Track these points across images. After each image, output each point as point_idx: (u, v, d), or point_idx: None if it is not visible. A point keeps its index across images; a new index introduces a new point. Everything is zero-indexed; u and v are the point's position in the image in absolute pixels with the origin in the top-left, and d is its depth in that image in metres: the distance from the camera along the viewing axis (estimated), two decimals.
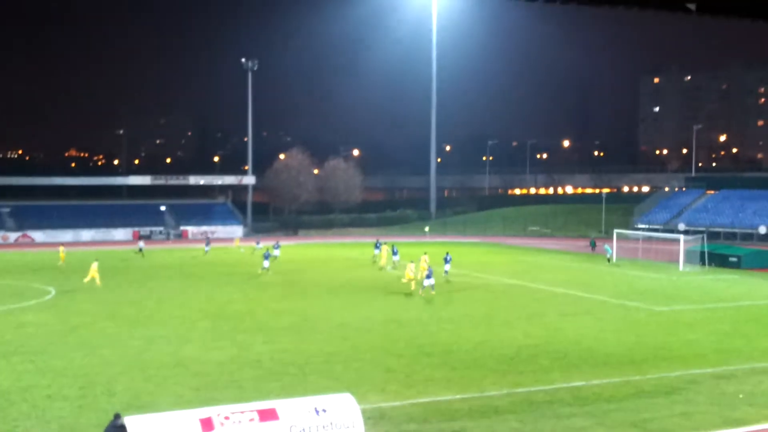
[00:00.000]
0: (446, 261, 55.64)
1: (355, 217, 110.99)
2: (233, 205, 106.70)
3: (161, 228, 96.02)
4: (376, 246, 66.07)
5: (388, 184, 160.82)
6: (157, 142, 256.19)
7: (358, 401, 19.05)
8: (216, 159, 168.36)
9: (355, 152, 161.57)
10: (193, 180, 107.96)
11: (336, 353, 31.26)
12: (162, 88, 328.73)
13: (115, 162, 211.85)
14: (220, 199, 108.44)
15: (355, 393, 20.46)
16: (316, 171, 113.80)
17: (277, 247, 67.37)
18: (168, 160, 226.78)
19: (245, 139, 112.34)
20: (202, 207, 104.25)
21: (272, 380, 27.02)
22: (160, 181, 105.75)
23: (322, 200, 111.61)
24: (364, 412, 19.14)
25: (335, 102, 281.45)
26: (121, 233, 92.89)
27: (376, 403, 24.09)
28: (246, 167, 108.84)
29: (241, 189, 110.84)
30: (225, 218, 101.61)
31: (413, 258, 55.45)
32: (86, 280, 50.92)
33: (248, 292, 48.87)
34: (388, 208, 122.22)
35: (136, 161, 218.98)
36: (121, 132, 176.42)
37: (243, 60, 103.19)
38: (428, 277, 47.40)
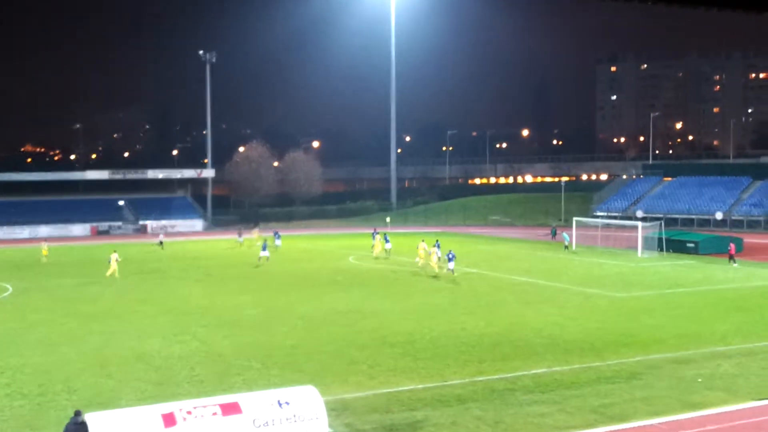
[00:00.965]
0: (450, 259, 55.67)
1: (316, 209, 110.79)
2: (193, 199, 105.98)
3: (120, 223, 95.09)
4: (374, 236, 65.94)
5: (349, 176, 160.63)
6: (115, 136, 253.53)
7: (321, 393, 19.06)
8: (175, 152, 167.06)
9: (316, 144, 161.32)
10: (152, 174, 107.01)
11: (299, 346, 31.22)
12: (119, 82, 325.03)
13: (72, 157, 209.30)
14: (180, 193, 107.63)
15: (318, 385, 20.45)
16: (276, 163, 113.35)
17: (277, 237, 69.13)
18: (126, 155, 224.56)
19: (204, 132, 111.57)
20: (162, 201, 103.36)
21: (235, 374, 26.92)
22: (118, 175, 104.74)
23: (283, 192, 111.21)
24: (327, 403, 19.15)
25: (295, 94, 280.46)
26: (79, 229, 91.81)
27: (339, 394, 24.10)
28: (206, 160, 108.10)
29: (200, 182, 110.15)
30: (185, 212, 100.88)
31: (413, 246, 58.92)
32: (109, 273, 51.69)
33: (210, 285, 48.59)
34: (348, 200, 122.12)
35: (94, 156, 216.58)
36: (78, 126, 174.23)
37: (201, 52, 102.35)
38: (450, 260, 50.47)
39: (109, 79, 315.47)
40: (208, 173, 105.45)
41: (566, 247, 67.61)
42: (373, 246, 63.60)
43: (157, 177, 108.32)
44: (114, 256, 52.94)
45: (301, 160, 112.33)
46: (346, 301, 42.15)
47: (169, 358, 29.13)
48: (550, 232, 79.33)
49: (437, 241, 57.00)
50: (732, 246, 59.63)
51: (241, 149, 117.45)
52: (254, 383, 25.22)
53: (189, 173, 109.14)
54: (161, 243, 73.12)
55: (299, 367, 27.94)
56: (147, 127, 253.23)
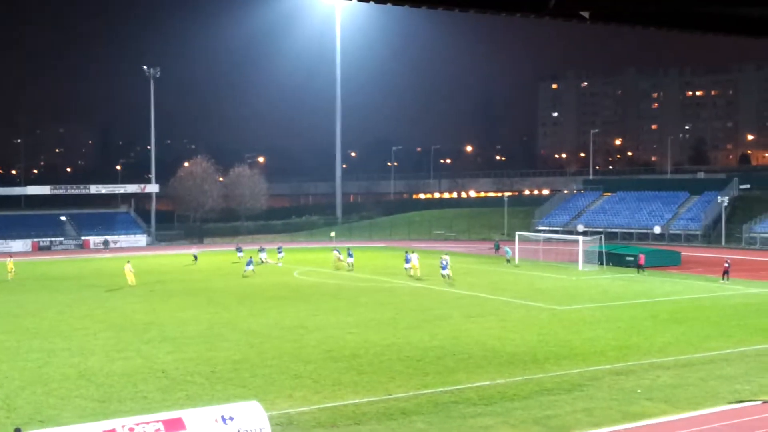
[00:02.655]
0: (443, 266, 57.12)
1: (261, 224, 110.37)
2: (136, 214, 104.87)
3: (62, 238, 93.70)
4: (349, 254, 66.09)
5: (295, 191, 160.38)
6: (57, 151, 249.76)
7: (266, 408, 19.09)
8: (118, 168, 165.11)
9: (261, 159, 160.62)
10: (95, 189, 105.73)
11: (243, 361, 31.13)
12: (62, 96, 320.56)
13: (13, 172, 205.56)
14: (123, 209, 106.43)
15: (262, 400, 20.49)
16: (221, 178, 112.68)
17: (280, 251, 70.74)
18: (69, 170, 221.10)
19: (148, 147, 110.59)
20: (104, 216, 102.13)
21: (178, 390, 26.76)
22: (60, 190, 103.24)
23: (228, 207, 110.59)
24: (271, 418, 19.19)
25: (240, 109, 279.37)
26: (20, 244, 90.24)
27: (284, 409, 24.12)
28: (149, 175, 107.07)
29: (144, 197, 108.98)
30: (128, 227, 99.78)
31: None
32: (130, 282, 53.61)
33: (153, 301, 48.13)
34: (294, 215, 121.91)
35: (35, 171, 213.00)
36: (19, 141, 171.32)
37: (145, 67, 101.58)
38: (443, 267, 55.36)
39: (51, 93, 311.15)
40: (152, 188, 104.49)
41: (508, 260, 68.42)
42: (349, 264, 64.30)
43: (100, 192, 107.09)
44: (128, 267, 55.12)
45: (246, 176, 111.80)
46: (291, 315, 42.11)
47: (111, 375, 28.84)
48: (493, 246, 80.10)
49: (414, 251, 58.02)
50: (642, 256, 62.56)
51: (186, 164, 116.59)
52: (198, 399, 25.11)
53: (132, 188, 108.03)
54: (195, 257, 72.22)
55: (243, 382, 27.87)
56: (90, 142, 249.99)
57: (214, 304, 46.59)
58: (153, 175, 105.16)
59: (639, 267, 61.65)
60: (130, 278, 54.65)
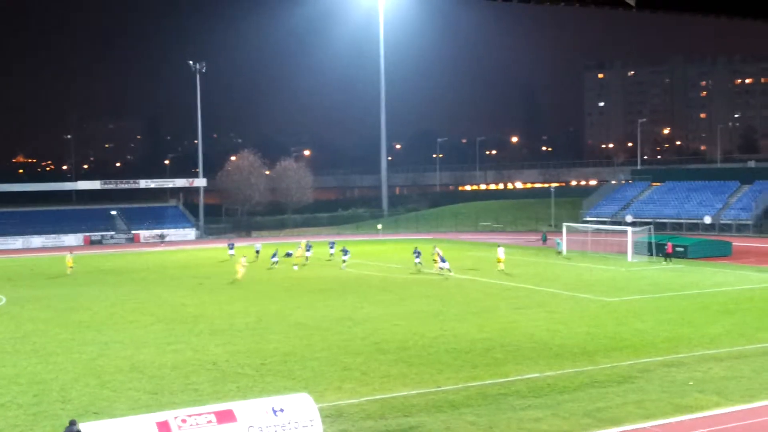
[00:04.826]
0: (442, 260, 56.56)
1: (307, 217, 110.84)
2: (185, 208, 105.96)
3: (112, 232, 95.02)
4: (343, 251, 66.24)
5: (340, 184, 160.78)
6: (107, 146, 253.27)
7: (315, 400, 19.21)
8: (167, 162, 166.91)
9: (307, 152, 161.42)
10: (144, 183, 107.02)
11: (292, 353, 31.34)
12: (111, 92, 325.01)
13: (64, 167, 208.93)
14: (172, 202, 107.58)
15: (312, 392, 20.62)
16: (267, 172, 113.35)
17: (309, 248, 67.22)
18: (118, 164, 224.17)
19: (195, 142, 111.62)
20: (154, 210, 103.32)
21: (229, 382, 27.04)
22: (110, 185, 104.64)
23: (275, 201, 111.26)
24: (321, 410, 19.31)
25: (286, 103, 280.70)
26: (72, 239, 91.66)
27: (334, 401, 24.25)
28: (197, 169, 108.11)
29: (192, 191, 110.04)
30: (177, 221, 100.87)
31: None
32: (240, 277, 53.93)
33: (202, 294, 48.63)
34: (340, 208, 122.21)
35: (85, 166, 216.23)
36: (69, 137, 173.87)
37: (191, 62, 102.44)
38: (442, 261, 55.40)
39: (100, 89, 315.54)
40: (200, 182, 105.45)
41: (559, 252, 67.93)
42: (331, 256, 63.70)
43: (149, 186, 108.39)
44: (242, 260, 55.87)
45: (292, 169, 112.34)
46: (338, 308, 42.28)
47: (163, 367, 29.22)
48: (540, 237, 79.60)
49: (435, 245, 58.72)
50: (669, 245, 62.84)
51: (233, 158, 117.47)
52: (248, 391, 25.35)
53: (180, 182, 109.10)
54: (257, 252, 69.28)
55: (293, 374, 28.07)
56: (138, 137, 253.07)
57: (262, 297, 46.94)
58: (200, 169, 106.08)
59: (667, 255, 62.01)
60: (241, 272, 54.46)
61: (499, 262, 57.11)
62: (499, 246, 59.45)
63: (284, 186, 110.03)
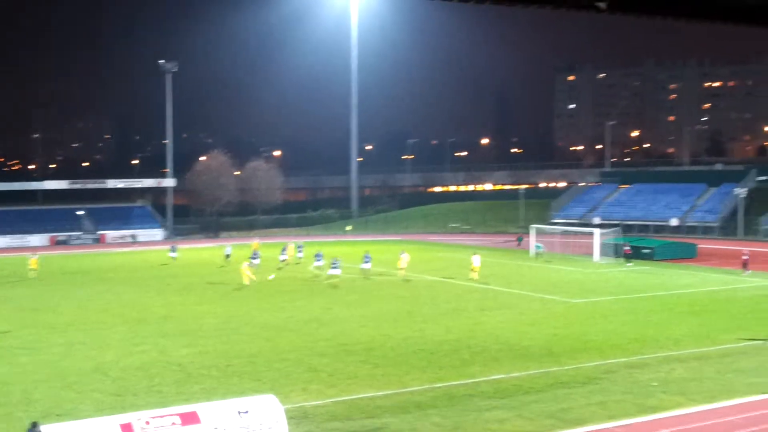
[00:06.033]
0: (366, 260, 55.76)
1: (277, 218, 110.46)
2: (153, 208, 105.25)
3: (79, 233, 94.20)
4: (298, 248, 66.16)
5: (310, 184, 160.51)
6: (74, 145, 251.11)
7: (281, 401, 19.17)
8: (135, 162, 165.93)
9: (277, 153, 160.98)
10: (112, 183, 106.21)
11: (258, 354, 31.27)
12: (79, 91, 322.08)
13: (31, 167, 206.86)
14: (140, 203, 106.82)
15: (278, 393, 20.58)
16: (237, 172, 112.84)
17: (300, 248, 66.29)
18: (86, 164, 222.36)
19: (165, 142, 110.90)
20: (121, 210, 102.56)
21: (194, 384, 26.93)
22: (77, 185, 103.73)
23: (244, 201, 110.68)
24: (287, 412, 19.27)
25: (256, 103, 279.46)
26: (38, 239, 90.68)
27: (299, 402, 24.23)
28: (166, 170, 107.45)
29: (161, 191, 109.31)
30: (144, 221, 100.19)
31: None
32: (246, 281, 51.44)
33: (169, 295, 48.38)
34: (309, 208, 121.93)
35: (53, 166, 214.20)
36: (37, 136, 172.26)
37: (161, 62, 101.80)
38: (334, 266, 52.74)
39: (69, 88, 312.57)
40: (169, 182, 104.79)
41: (538, 255, 67.72)
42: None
43: (117, 186, 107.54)
44: (245, 265, 53.62)
45: (262, 169, 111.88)
46: (306, 309, 42.22)
47: (127, 369, 29.04)
48: (516, 239, 79.91)
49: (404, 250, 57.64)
50: (627, 245, 63.98)
51: (202, 158, 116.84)
52: (214, 392, 25.25)
53: (149, 182, 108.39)
54: (228, 255, 65.89)
55: (259, 375, 28.01)
56: (107, 137, 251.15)
57: (230, 298, 46.77)
58: (170, 169, 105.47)
59: (626, 257, 62.69)
60: (247, 275, 51.93)
61: (473, 270, 53.70)
62: (474, 253, 55.91)
63: (254, 187, 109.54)
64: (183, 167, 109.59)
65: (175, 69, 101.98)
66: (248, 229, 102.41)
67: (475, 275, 53.22)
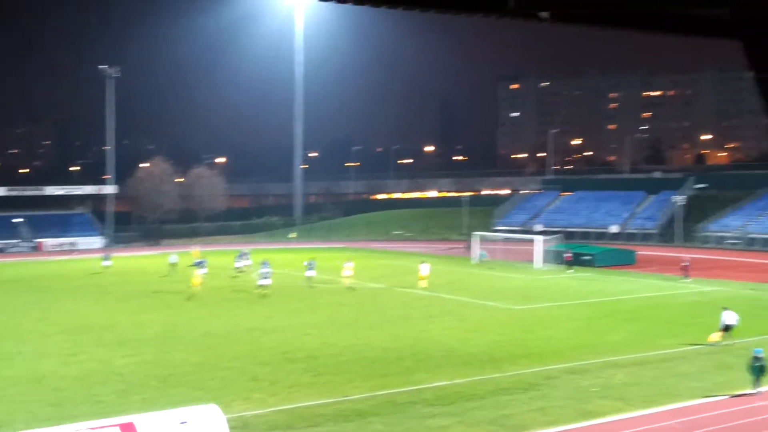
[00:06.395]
0: (310, 267, 55.57)
1: (220, 225, 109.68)
2: (93, 216, 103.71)
3: (17, 241, 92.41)
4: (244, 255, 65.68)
5: (254, 191, 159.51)
6: (12, 152, 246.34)
7: (223, 411, 18.98)
8: (76, 168, 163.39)
9: (220, 160, 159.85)
10: (50, 190, 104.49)
11: (200, 363, 30.96)
12: (18, 97, 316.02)
13: None
14: (79, 210, 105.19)
15: (219, 403, 20.38)
16: (179, 179, 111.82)
17: (244, 255, 64.43)
18: (25, 171, 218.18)
19: (105, 148, 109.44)
20: (60, 218, 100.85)
21: (134, 394, 26.55)
22: (15, 192, 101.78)
23: (186, 209, 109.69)
24: (229, 421, 19.08)
25: (199, 110, 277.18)
26: None
27: (241, 411, 24.03)
28: (107, 176, 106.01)
29: (101, 199, 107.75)
30: (84, 229, 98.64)
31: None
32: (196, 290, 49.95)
33: (109, 304, 47.67)
34: (253, 215, 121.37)
35: None
36: None
37: (103, 67, 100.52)
38: (265, 277, 50.94)
39: (6, 93, 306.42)
40: (109, 189, 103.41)
41: (482, 262, 68.31)
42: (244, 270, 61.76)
43: (56, 193, 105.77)
44: (198, 273, 52.56)
45: (205, 176, 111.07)
46: (248, 317, 41.95)
47: (66, 379, 28.54)
48: (466, 246, 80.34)
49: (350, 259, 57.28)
50: (569, 252, 65.03)
51: (144, 165, 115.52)
52: (154, 402, 24.91)
53: (89, 189, 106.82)
54: (173, 264, 63.46)
55: (201, 384, 27.73)
56: (47, 142, 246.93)
57: (171, 307, 46.24)
58: (110, 176, 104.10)
59: (567, 263, 63.62)
60: (197, 286, 50.56)
61: (421, 279, 53.02)
62: (423, 262, 55.20)
63: (197, 193, 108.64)
64: (124, 174, 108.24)
65: (117, 74, 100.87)
66: (191, 237, 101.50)
67: (423, 284, 52.81)
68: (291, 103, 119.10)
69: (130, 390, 27.02)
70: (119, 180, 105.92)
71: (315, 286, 53.65)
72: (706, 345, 33.90)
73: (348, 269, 55.09)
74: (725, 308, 34.96)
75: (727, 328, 33.93)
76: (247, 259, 64.88)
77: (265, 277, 51.42)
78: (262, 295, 49.52)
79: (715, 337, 33.94)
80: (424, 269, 53.58)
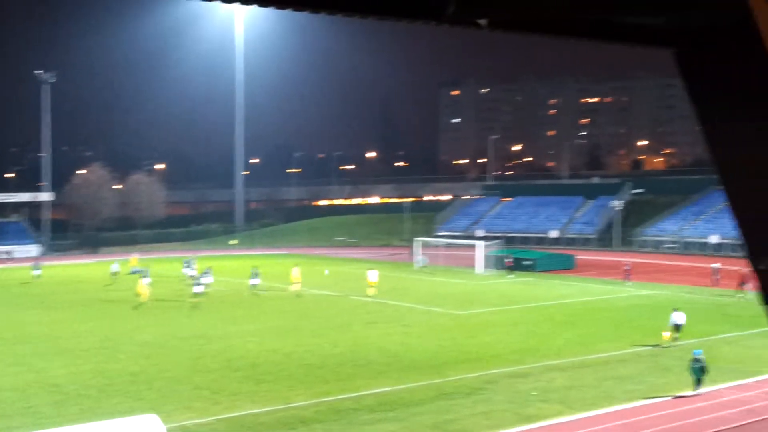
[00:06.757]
0: (254, 275, 55.18)
1: (159, 233, 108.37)
2: (29, 223, 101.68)
3: None
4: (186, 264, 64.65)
5: (195, 198, 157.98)
6: None
7: (163, 420, 18.77)
8: (11, 175, 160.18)
9: (159, 166, 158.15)
10: None
11: (140, 373, 30.52)
12: None
13: None
14: (14, 218, 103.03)
15: (160, 412, 20.14)
16: (118, 186, 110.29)
17: (188, 263, 63.32)
18: None
19: (41, 155, 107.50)
20: None
21: (73, 404, 26.07)
22: None
23: (125, 216, 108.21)
24: (168, 431, 18.86)
25: (138, 116, 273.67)
26: None
27: (182, 421, 23.77)
28: (43, 183, 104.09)
29: (38, 206, 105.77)
30: (20, 237, 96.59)
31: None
32: (144, 299, 48.53)
33: (48, 313, 46.72)
34: (193, 223, 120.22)
35: None
36: None
37: (38, 72, 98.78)
38: (198, 284, 49.97)
39: None
40: (46, 197, 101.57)
41: (423, 267, 68.49)
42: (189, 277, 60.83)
43: None
44: (143, 281, 50.85)
45: (144, 183, 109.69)
46: (189, 326, 41.48)
47: (2, 390, 27.89)
48: (409, 252, 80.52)
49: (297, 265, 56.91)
50: (509, 257, 65.90)
51: (81, 172, 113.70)
52: (93, 413, 24.49)
53: (25, 197, 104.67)
54: (114, 273, 61.64)
55: (140, 394, 27.34)
56: None
57: (110, 316, 45.48)
58: (46, 183, 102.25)
59: (508, 268, 64.14)
60: (144, 296, 49.28)
61: (370, 285, 52.38)
62: (370, 269, 54.85)
63: (135, 200, 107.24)
64: (61, 181, 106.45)
65: (53, 80, 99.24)
66: (130, 245, 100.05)
67: (372, 291, 52.20)
68: (231, 109, 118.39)
69: (68, 401, 26.53)
70: (56, 187, 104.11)
71: (259, 294, 53.29)
72: (647, 347, 34.56)
73: (296, 278, 54.52)
74: (675, 309, 36.07)
75: (677, 328, 35.17)
76: (192, 267, 63.87)
77: (198, 285, 50.46)
78: (194, 305, 48.11)
79: (667, 336, 34.98)
80: (372, 276, 53.15)
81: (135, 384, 28.79)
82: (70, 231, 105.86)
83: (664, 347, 34.44)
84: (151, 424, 18.33)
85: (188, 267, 63.28)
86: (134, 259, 66.92)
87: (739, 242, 3.79)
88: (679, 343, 34.39)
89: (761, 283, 3.95)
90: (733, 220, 3.93)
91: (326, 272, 60.17)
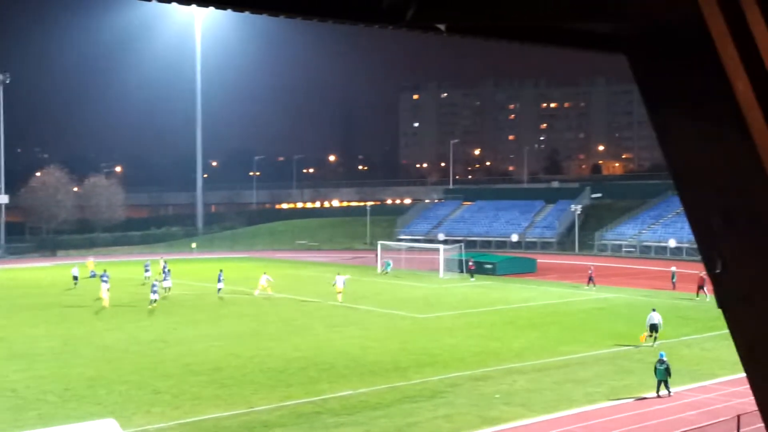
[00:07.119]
0: (219, 279, 54.79)
1: (118, 236, 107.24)
2: None
3: None
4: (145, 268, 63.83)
5: (154, 201, 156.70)
6: None
7: (122, 425, 18.57)
8: None
9: (118, 169, 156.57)
10: None
11: (99, 377, 30.12)
12: None
13: None
14: None
15: (119, 417, 19.90)
16: (75, 188, 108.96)
17: (147, 266, 62.27)
18: None
19: None
20: None
21: (30, 409, 25.66)
22: None
23: (83, 219, 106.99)
24: None
25: (96, 118, 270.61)
26: None
27: (142, 425, 23.50)
28: None
29: None
30: None
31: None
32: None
33: (4, 317, 45.92)
34: (153, 226, 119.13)
35: None
36: None
37: None
38: (154, 291, 48.88)
39: None
40: (1, 199, 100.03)
41: (385, 272, 68.36)
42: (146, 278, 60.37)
43: None
44: (104, 286, 50.18)
45: (102, 186, 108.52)
46: (149, 329, 41.06)
47: None
48: (375, 255, 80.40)
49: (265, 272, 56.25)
50: (471, 261, 65.74)
51: (38, 174, 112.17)
52: (51, 418, 24.13)
53: None
54: (75, 278, 60.38)
55: (99, 399, 26.98)
56: None
57: (68, 320, 44.86)
58: (1, 186, 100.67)
59: (470, 272, 64.22)
60: (105, 301, 48.80)
61: (338, 293, 51.00)
62: (338, 274, 53.25)
63: (93, 203, 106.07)
64: (17, 184, 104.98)
65: (7, 80, 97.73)
66: (88, 248, 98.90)
67: (340, 297, 51.00)
68: (191, 112, 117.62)
69: (26, 406, 26.11)
70: (11, 190, 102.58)
71: (223, 297, 52.94)
72: (605, 351, 34.90)
73: (264, 280, 54.30)
74: (654, 309, 37.19)
75: (653, 328, 35.87)
76: (148, 270, 63.13)
77: (154, 291, 49.48)
78: (150, 311, 47.47)
79: (644, 336, 35.70)
80: (340, 282, 51.62)
81: (94, 388, 28.41)
82: (26, 234, 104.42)
83: (638, 348, 34.90)
84: (109, 428, 18.12)
85: (148, 271, 62.68)
86: (90, 262, 66.09)
87: (695, 246, 3.82)
88: (651, 343, 34.98)
89: (715, 287, 3.96)
90: (689, 223, 3.94)
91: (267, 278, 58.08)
